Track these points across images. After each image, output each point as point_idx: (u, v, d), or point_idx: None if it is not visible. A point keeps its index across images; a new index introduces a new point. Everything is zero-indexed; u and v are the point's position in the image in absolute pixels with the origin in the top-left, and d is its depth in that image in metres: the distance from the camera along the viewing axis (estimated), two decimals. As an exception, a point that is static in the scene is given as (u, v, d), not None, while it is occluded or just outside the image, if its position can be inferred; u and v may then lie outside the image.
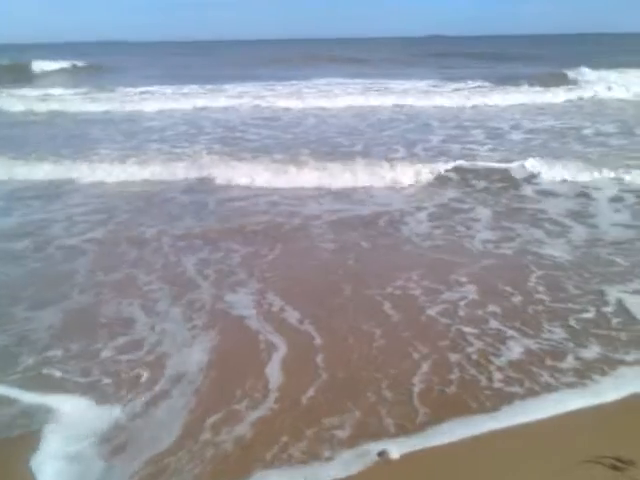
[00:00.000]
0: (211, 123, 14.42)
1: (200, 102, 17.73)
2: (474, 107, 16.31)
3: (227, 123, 14.39)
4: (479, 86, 20.46)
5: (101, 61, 40.41)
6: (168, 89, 21.52)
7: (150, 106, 17.40)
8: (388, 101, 17.08)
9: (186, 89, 21.42)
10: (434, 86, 21.09)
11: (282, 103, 17.17)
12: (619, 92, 17.58)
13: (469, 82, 21.30)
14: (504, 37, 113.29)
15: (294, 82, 23.44)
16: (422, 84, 21.69)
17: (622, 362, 3.65)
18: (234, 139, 12.11)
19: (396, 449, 2.92)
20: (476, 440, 3.00)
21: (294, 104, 16.96)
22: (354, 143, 11.27)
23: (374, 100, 17.31)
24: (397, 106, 16.51)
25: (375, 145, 11.07)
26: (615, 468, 2.72)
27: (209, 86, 22.10)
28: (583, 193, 7.43)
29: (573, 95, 17.32)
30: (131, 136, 12.75)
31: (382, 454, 2.90)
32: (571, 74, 21.70)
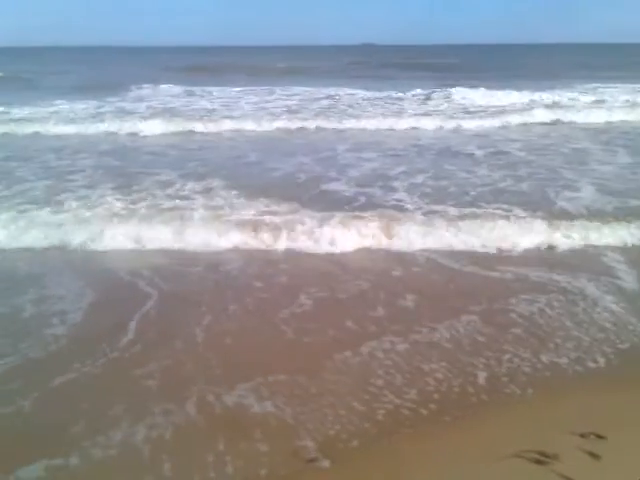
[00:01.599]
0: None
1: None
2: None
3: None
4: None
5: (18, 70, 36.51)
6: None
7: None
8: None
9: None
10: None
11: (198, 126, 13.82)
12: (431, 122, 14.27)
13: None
14: (437, 46, 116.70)
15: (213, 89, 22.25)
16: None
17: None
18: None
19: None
20: (402, 438, 2.96)
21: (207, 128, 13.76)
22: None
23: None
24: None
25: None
26: (539, 462, 2.71)
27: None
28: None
29: (385, 124, 14.03)
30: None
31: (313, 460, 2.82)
32: (438, 95, 19.78)
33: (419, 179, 8.38)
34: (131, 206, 6.92)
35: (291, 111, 16.23)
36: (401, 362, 3.70)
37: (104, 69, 40.69)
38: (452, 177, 8.54)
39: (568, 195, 7.45)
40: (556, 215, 6.46)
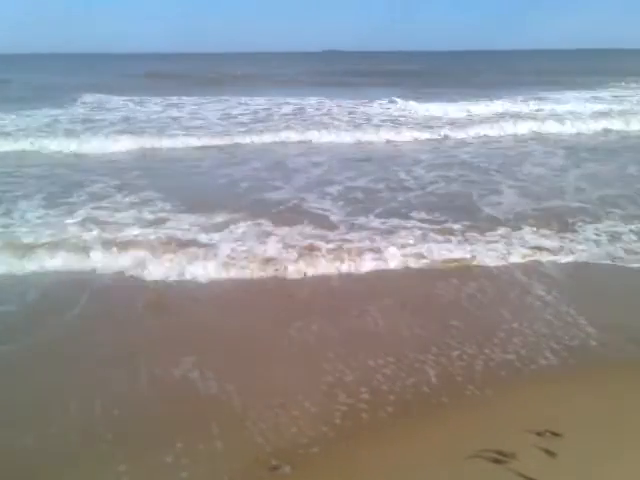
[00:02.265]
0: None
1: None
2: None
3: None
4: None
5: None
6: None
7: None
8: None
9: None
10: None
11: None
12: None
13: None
14: (400, 53, 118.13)
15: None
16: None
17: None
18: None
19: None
20: (361, 441, 2.96)
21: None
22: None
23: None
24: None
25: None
26: (497, 461, 2.73)
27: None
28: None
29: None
30: None
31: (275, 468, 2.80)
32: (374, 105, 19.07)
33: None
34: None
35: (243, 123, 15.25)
36: (349, 361, 3.73)
37: (52, 77, 37.54)
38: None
39: (493, 200, 7.65)
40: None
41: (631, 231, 6.06)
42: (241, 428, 3.10)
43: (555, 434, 2.89)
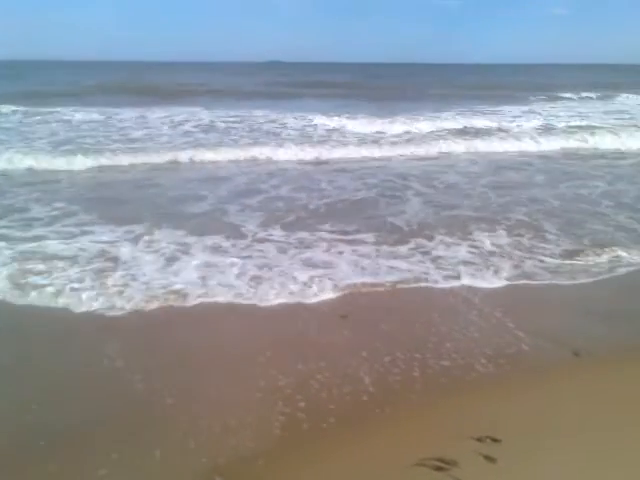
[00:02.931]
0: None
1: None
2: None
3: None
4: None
5: None
6: None
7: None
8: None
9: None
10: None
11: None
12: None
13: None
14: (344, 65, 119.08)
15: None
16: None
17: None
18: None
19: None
20: (301, 454, 2.92)
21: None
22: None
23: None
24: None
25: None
26: (439, 469, 2.74)
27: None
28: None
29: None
30: None
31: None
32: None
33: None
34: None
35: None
36: (287, 373, 3.69)
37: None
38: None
39: (398, 209, 7.82)
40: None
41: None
42: (181, 442, 3.00)
43: (495, 440, 2.92)
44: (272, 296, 4.85)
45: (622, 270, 5.53)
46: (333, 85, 39.10)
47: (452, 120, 17.87)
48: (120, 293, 4.83)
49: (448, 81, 45.69)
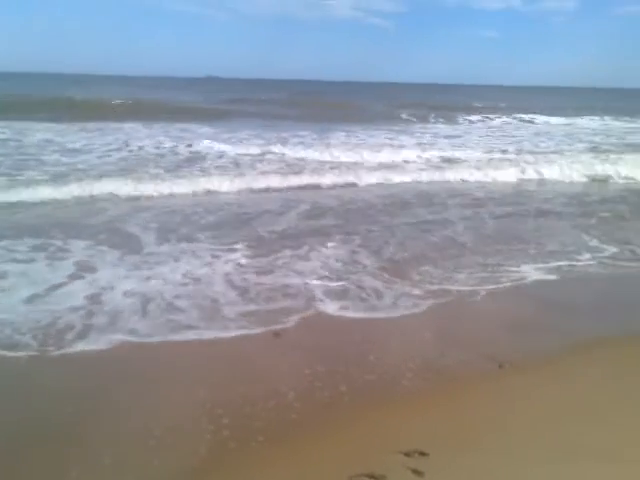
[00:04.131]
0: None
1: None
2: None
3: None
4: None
5: None
6: None
7: None
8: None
9: None
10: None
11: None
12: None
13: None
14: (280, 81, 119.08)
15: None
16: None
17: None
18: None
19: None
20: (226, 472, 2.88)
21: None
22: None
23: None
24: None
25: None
26: (369, 485, 2.77)
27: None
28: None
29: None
30: None
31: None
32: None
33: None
34: None
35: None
36: (211, 391, 3.66)
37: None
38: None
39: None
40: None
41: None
42: (103, 465, 2.92)
43: (422, 454, 2.96)
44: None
45: (527, 282, 5.83)
46: (259, 102, 37.18)
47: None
48: None
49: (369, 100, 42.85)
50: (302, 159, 13.79)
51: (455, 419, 3.38)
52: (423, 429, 3.26)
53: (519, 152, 16.15)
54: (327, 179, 11.50)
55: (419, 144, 17.52)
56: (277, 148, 14.97)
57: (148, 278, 5.58)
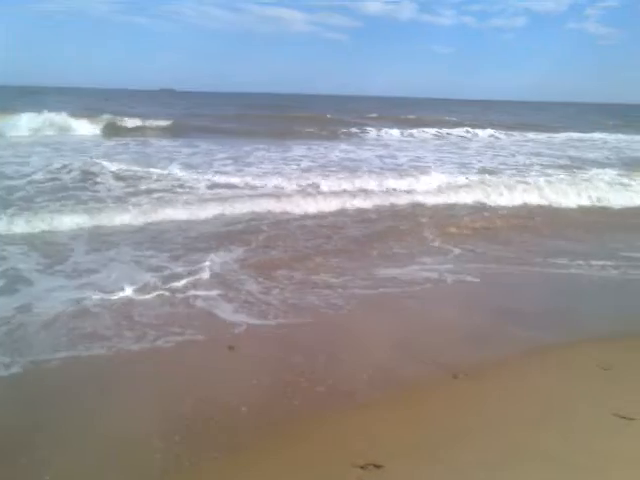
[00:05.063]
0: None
1: None
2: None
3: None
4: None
5: None
6: None
7: None
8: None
9: None
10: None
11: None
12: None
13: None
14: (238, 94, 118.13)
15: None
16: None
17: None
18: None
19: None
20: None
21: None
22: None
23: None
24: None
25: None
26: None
27: None
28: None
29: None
30: None
31: None
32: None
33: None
34: None
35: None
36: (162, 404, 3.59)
37: None
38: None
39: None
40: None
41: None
42: None
43: (377, 466, 2.96)
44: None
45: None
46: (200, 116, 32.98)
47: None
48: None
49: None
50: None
51: (410, 430, 3.40)
52: (378, 441, 3.25)
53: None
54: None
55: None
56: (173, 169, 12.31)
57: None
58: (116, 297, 5.34)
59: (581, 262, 7.07)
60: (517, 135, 29.78)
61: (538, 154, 19.94)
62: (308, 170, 13.75)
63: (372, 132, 27.93)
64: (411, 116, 39.93)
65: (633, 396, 3.80)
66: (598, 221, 10.06)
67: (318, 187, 11.24)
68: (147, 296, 5.41)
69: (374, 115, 38.54)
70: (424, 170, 13.79)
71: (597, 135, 30.69)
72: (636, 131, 32.51)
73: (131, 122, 24.35)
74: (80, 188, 10.39)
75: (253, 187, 11.26)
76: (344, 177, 12.35)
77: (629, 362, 4.40)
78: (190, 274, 6.05)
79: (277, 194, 10.48)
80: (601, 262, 7.09)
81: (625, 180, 13.36)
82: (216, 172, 12.56)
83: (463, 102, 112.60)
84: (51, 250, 6.84)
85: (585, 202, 11.44)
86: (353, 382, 3.99)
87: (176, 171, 12.09)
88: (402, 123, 33.31)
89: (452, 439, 3.29)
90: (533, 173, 14.38)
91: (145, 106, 40.84)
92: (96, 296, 5.33)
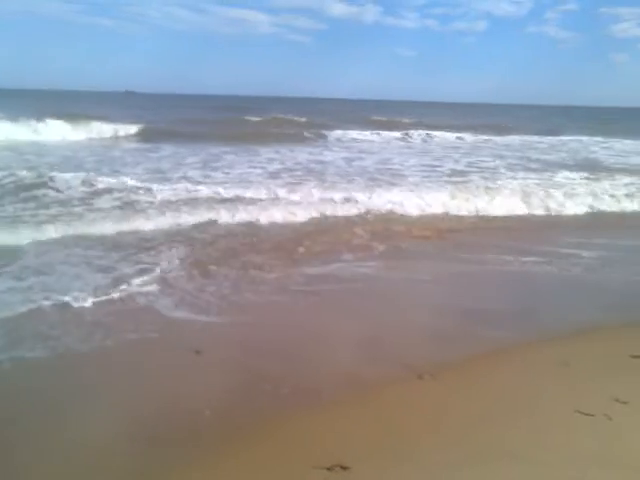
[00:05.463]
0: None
1: None
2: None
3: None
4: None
5: None
6: None
7: None
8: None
9: None
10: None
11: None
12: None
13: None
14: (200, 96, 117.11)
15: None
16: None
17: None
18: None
19: None
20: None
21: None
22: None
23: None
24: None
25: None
26: None
27: None
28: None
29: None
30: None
31: None
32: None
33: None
34: None
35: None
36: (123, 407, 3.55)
37: None
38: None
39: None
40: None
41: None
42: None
43: (344, 467, 2.94)
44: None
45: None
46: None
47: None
48: None
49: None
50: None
51: (376, 430, 3.40)
52: (345, 441, 3.25)
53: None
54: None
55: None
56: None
57: None
58: (65, 300, 5.21)
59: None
60: (478, 137, 30.26)
61: (501, 156, 20.28)
62: (270, 176, 13.39)
63: (336, 134, 27.95)
64: (376, 117, 40.47)
65: (591, 392, 3.88)
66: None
67: (279, 196, 10.57)
68: (97, 299, 5.31)
69: (339, 117, 38.78)
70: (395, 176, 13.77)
71: (555, 138, 31.41)
72: (594, 132, 33.59)
73: (92, 126, 23.56)
74: (29, 198, 9.71)
75: (213, 194, 10.61)
76: (312, 185, 11.94)
77: (585, 358, 4.49)
78: (139, 275, 5.98)
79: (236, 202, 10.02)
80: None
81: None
82: (179, 178, 12.35)
83: (428, 104, 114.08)
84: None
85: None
86: (317, 382, 3.99)
87: (131, 182, 11.10)
88: (368, 125, 33.69)
89: (418, 439, 3.31)
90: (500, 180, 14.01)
91: (107, 108, 40.22)
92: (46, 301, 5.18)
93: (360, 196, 10.77)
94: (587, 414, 3.53)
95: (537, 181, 13.80)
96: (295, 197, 10.61)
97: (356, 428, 3.41)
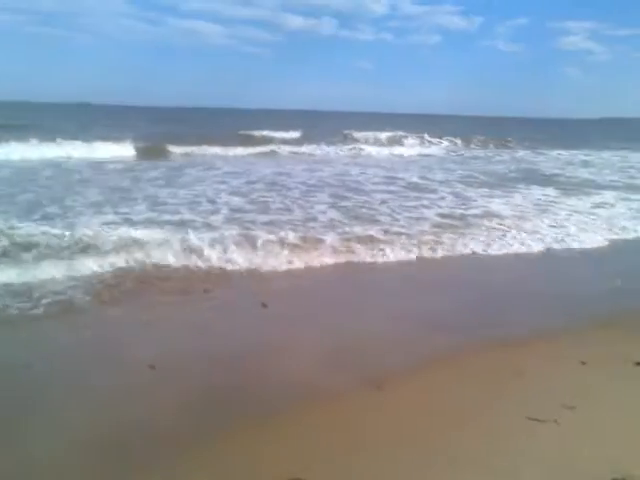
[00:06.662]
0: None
1: None
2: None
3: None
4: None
5: None
6: None
7: None
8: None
9: None
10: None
11: None
12: None
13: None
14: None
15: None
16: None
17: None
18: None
19: None
20: None
21: None
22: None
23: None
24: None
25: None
26: None
27: None
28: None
29: None
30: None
31: None
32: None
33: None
34: None
35: None
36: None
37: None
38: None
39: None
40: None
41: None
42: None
43: None
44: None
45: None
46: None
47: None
48: None
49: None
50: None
51: (333, 442, 3.42)
52: (305, 456, 3.26)
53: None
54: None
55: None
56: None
57: None
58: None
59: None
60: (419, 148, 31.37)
61: (450, 170, 20.56)
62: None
63: (293, 147, 28.05)
64: (338, 129, 40.34)
65: (543, 400, 4.00)
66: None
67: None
68: None
69: (296, 129, 38.60)
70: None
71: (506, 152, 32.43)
72: (540, 145, 35.23)
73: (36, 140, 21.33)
74: None
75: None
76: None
77: (538, 367, 4.64)
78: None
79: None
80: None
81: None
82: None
83: (388, 115, 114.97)
84: None
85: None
86: (275, 394, 4.01)
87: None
88: (325, 136, 33.38)
89: (374, 450, 3.34)
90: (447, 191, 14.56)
91: (57, 120, 38.77)
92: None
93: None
94: (538, 420, 3.67)
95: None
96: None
97: (314, 441, 3.43)
